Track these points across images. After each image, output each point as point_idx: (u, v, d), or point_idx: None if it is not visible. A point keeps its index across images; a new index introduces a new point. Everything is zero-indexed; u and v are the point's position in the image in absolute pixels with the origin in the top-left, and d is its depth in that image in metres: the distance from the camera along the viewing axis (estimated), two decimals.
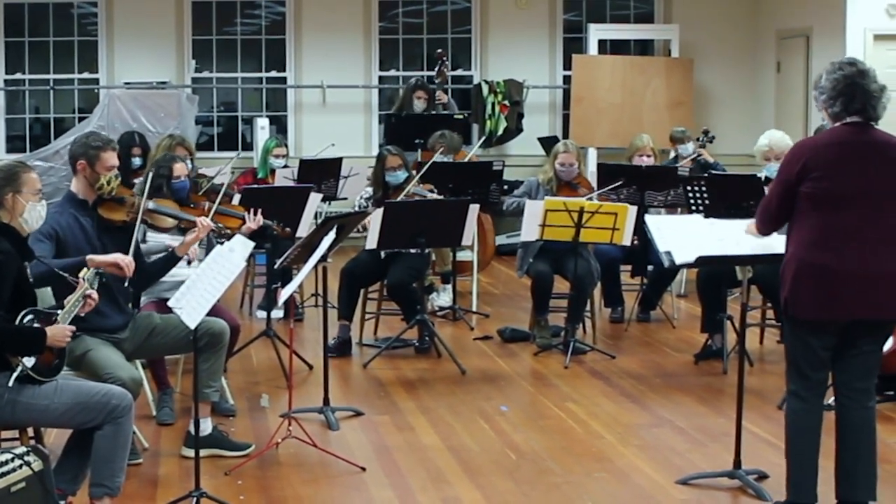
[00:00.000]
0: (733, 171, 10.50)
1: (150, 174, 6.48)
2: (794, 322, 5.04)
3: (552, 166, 8.89)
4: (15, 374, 4.71)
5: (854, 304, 4.90)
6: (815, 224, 4.91)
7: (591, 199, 8.53)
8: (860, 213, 4.87)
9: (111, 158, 5.79)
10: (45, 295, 5.44)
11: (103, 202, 5.84)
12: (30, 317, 4.76)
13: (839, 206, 4.87)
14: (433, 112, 11.95)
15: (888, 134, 5.01)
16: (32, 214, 4.96)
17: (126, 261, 5.43)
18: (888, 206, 4.90)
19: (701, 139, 10.84)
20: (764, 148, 8.10)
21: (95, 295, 4.93)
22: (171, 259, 6.09)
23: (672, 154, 11.14)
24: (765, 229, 5.18)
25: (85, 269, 4.93)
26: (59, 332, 4.78)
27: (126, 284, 5.65)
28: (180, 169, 6.91)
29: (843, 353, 5.04)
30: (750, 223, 5.28)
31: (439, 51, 12.73)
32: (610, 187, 8.95)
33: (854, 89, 4.89)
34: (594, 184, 9.20)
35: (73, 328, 4.85)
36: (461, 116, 12.07)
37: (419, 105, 11.91)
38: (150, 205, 6.27)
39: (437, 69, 12.33)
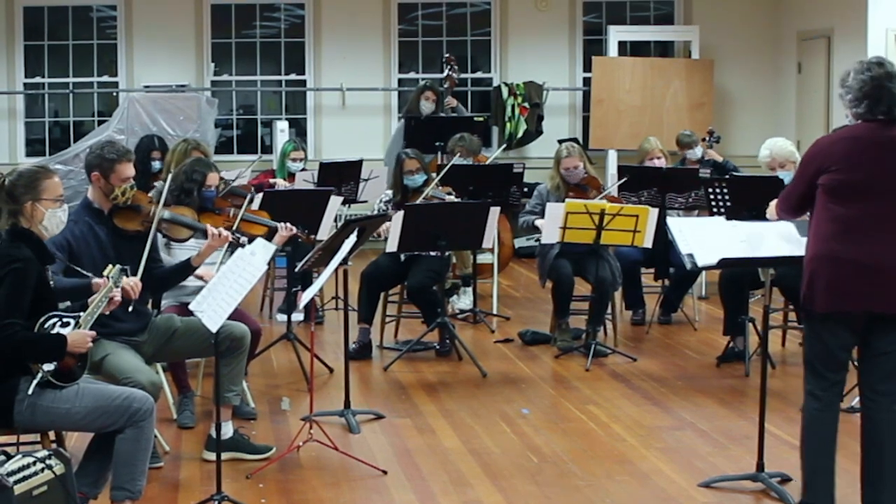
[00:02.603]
0: (754, 172, 10.44)
1: (168, 183, 6.28)
2: (810, 317, 5.04)
3: (557, 172, 8.84)
4: (35, 381, 4.71)
5: (866, 296, 4.87)
6: (829, 217, 4.93)
7: (602, 198, 8.51)
8: (872, 207, 4.87)
9: (126, 170, 5.68)
10: None
11: (118, 210, 5.78)
12: (52, 321, 4.76)
13: (852, 199, 4.88)
14: (454, 115, 11.88)
15: None
16: (52, 221, 4.94)
17: (132, 283, 5.22)
18: None
19: (707, 139, 10.78)
20: (766, 159, 8.07)
21: (120, 294, 4.92)
22: (186, 268, 6.01)
23: (682, 159, 11.07)
24: (784, 215, 5.26)
25: (109, 267, 4.93)
26: (80, 338, 4.77)
27: (130, 307, 5.38)
28: (213, 178, 6.79)
29: (865, 354, 5.01)
30: (772, 204, 5.35)
31: (447, 55, 12.62)
32: (617, 182, 8.94)
33: (881, 92, 4.86)
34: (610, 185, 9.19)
35: (94, 333, 4.84)
36: (481, 119, 12.01)
37: (427, 106, 11.63)
38: (166, 214, 6.09)
39: (444, 74, 12.23)
